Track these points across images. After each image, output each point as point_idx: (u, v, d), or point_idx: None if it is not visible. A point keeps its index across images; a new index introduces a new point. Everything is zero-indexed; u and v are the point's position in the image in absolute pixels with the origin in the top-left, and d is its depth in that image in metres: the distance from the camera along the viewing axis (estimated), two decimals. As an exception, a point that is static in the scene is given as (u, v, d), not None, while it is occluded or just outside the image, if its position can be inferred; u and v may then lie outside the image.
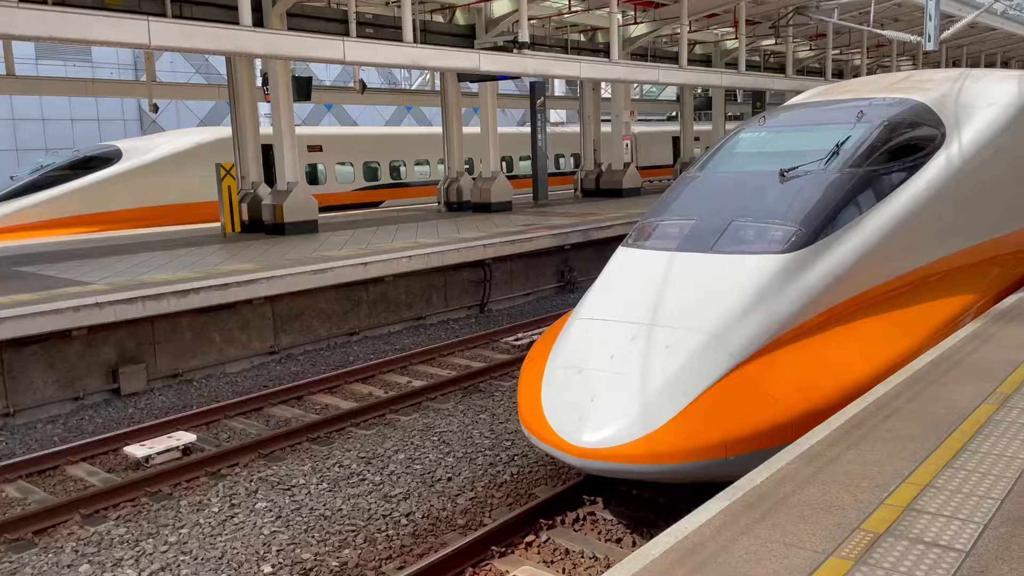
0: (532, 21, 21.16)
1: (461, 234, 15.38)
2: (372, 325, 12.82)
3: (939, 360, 5.65)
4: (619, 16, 21.93)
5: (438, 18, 18.82)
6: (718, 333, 5.96)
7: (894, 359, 6.32)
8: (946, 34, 18.39)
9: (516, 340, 12.08)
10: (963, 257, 7.89)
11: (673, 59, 24.79)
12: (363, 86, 19.96)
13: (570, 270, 15.82)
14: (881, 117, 7.89)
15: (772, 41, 26.10)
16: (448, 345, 11.82)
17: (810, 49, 30.05)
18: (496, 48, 14.99)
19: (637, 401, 5.63)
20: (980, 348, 5.93)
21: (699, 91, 32.93)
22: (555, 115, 45.50)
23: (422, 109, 41.95)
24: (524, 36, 14.71)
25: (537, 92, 21.53)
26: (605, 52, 22.70)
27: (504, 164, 28.98)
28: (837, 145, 7.50)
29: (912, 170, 7.56)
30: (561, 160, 31.37)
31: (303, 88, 17.97)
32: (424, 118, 42.81)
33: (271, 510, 6.63)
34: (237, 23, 11.14)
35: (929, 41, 18.53)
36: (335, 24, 15.44)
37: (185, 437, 8.11)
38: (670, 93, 39.67)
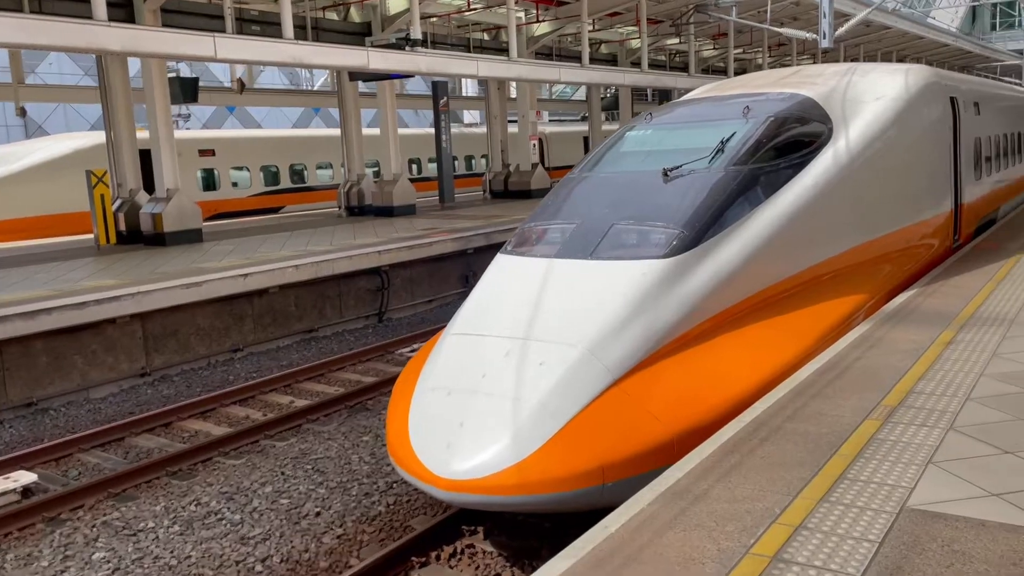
0: (433, 19, 20.59)
1: (357, 240, 14.68)
2: (258, 340, 12.02)
3: (825, 369, 5.33)
4: (522, 14, 21.55)
5: (332, 15, 18.05)
6: (595, 347, 5.51)
7: (783, 366, 5.99)
8: (840, 31, 18.59)
9: (412, 351, 11.49)
10: (854, 255, 7.67)
11: (578, 58, 24.58)
12: (241, 86, 18.94)
13: (474, 275, 15.30)
14: (767, 113, 7.62)
15: (676, 40, 26.16)
16: (340, 359, 11.14)
17: (714, 48, 30.31)
18: (387, 46, 14.34)
19: (508, 426, 5.13)
20: (868, 354, 5.65)
21: (608, 91, 32.89)
22: (469, 116, 45.00)
23: (331, 111, 40.85)
24: (416, 33, 14.12)
25: (440, 92, 20.94)
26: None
27: (415, 166, 28.28)
28: (722, 142, 7.18)
29: (799, 167, 7.30)
30: (473, 161, 30.86)
31: (188, 89, 16.95)
32: (333, 120, 41.68)
33: (109, 561, 5.88)
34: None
35: (824, 39, 18.72)
36: (218, 21, 14.54)
37: (25, 477, 7.26)
38: (584, 93, 39.62)
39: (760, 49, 28.58)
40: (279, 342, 12.29)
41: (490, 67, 15.71)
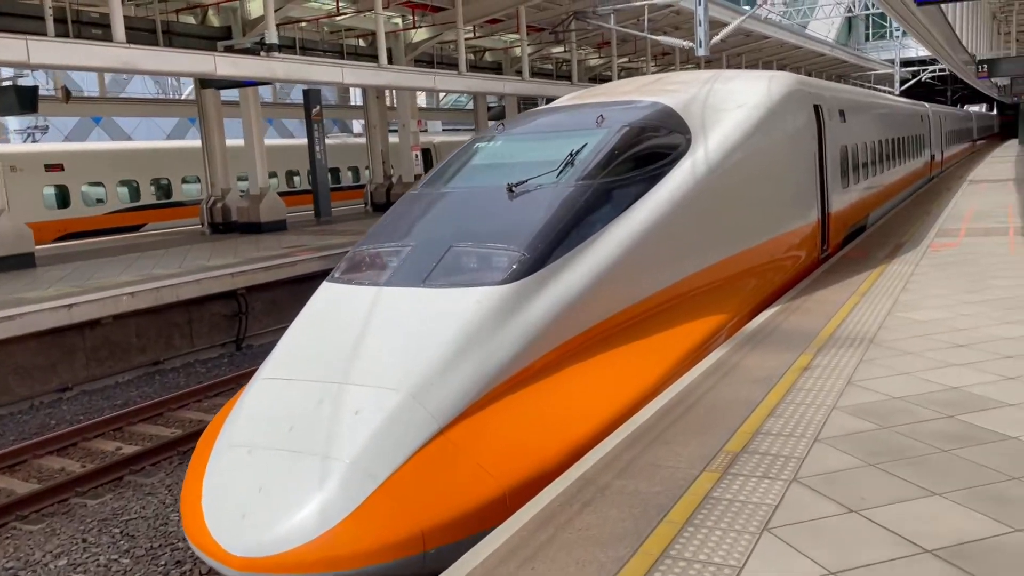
0: (302, 24, 19.60)
1: (211, 262, 13.58)
2: (92, 377, 10.83)
3: (670, 407, 4.80)
4: (399, 20, 20.81)
5: (189, 19, 16.86)
6: (419, 390, 4.82)
7: (633, 402, 5.44)
8: (715, 40, 18.63)
9: (265, 383, 10.53)
10: (715, 271, 7.25)
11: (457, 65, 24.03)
12: (66, 94, 17.39)
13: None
14: (621, 122, 7.13)
15: (561, 48, 25.92)
16: (184, 395, 10.10)
17: (599, 57, 30.29)
18: (241, 50, 13.34)
19: (314, 489, 4.38)
20: (719, 385, 5.16)
21: (501, 100, 32.44)
22: (359, 125, 43.82)
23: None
24: (271, 37, 13.18)
25: (312, 101, 19.94)
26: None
27: (296, 178, 27.04)
28: (572, 154, 6.64)
29: (654, 179, 6.83)
30: (361, 172, 29.82)
31: (25, 99, 15.44)
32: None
33: None
34: None
35: (701, 47, 18.73)
36: (59, 24, 13.21)
37: None
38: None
39: (644, 58, 28.68)
40: (117, 378, 11.12)
41: (357, 74, 14.89)
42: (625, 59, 29.87)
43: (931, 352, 5.69)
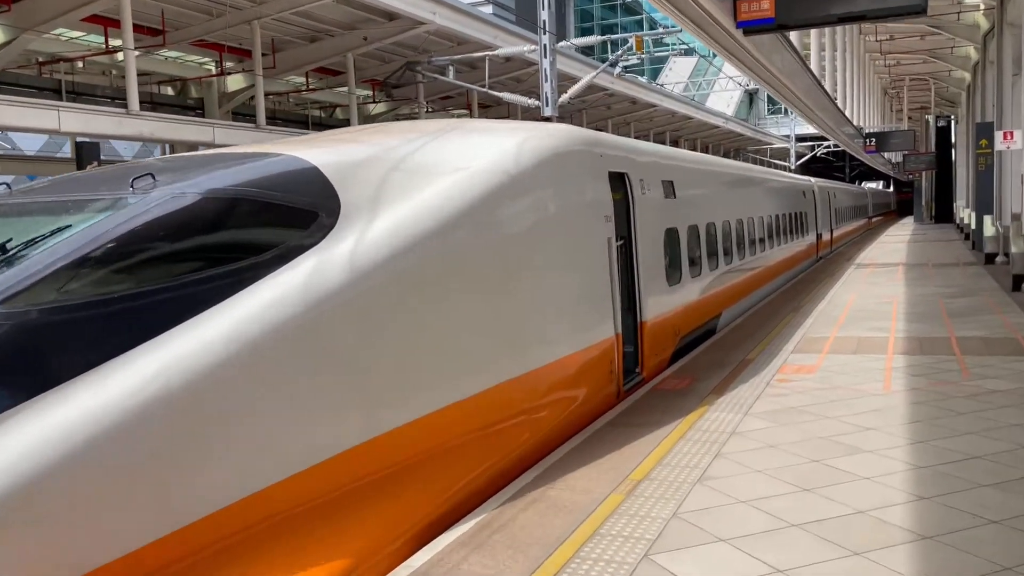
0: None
1: None
2: None
3: None
4: (212, 67, 17.61)
5: None
6: None
7: None
8: (564, 97, 16.05)
9: None
10: (368, 459, 4.07)
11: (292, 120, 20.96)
12: None
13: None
14: (189, 189, 4.00)
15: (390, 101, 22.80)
16: None
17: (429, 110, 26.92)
18: None
19: None
20: None
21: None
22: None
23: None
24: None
25: (86, 154, 16.35)
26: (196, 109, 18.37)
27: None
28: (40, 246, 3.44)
29: (227, 289, 3.68)
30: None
31: None
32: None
33: None
34: None
35: (548, 106, 16.05)
36: None
37: None
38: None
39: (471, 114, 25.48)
40: None
41: (85, 121, 11.51)
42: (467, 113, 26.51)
43: None
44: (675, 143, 40.43)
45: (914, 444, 5.22)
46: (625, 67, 27.79)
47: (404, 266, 4.38)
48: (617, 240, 7.42)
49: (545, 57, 15.69)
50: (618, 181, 7.39)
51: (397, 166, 5.03)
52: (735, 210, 11.74)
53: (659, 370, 7.99)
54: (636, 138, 34.25)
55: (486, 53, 16.50)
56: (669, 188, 8.63)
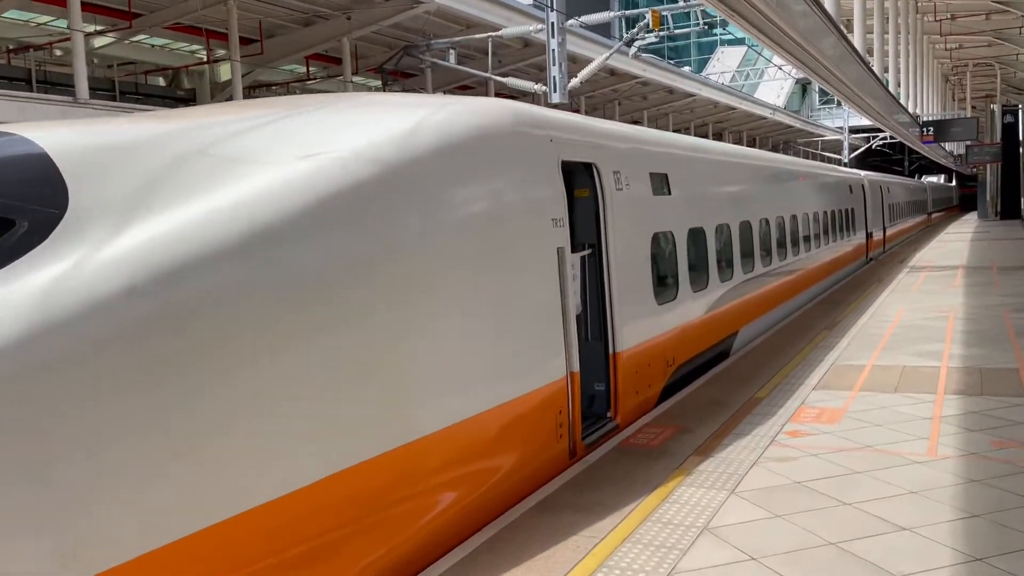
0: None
1: None
2: None
3: None
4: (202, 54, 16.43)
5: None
6: None
7: None
8: (573, 82, 14.40)
9: None
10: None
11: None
12: None
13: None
14: None
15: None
16: None
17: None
18: None
19: None
20: None
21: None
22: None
23: None
24: None
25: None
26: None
27: None
28: None
29: None
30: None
31: None
32: None
33: None
34: None
35: (556, 91, 14.42)
36: None
37: None
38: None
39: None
40: None
41: None
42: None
43: None
44: (718, 136, 38.21)
45: (969, 561, 3.51)
46: (671, 59, 25.77)
47: (155, 307, 2.85)
48: (583, 249, 5.83)
49: (553, 37, 14.06)
50: (583, 174, 5.78)
51: (204, 151, 3.51)
52: (758, 208, 9.96)
53: (645, 410, 6.35)
54: (675, 131, 31.86)
55: (489, 35, 14.93)
56: (661, 182, 6.95)
